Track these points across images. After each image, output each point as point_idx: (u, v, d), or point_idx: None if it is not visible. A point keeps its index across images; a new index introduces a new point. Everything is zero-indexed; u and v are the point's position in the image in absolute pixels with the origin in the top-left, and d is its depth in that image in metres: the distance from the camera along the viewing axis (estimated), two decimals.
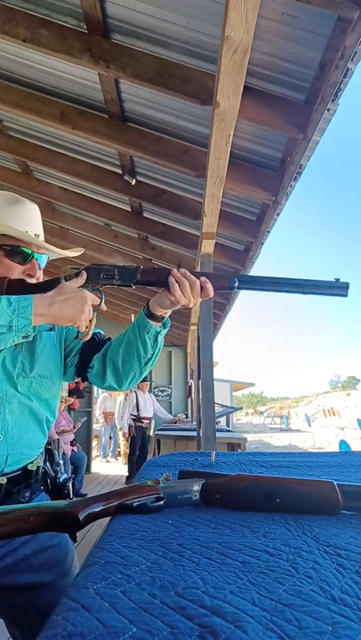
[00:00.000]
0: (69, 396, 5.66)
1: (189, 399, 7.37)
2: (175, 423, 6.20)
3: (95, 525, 0.67)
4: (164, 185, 3.46)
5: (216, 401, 3.01)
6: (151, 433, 6.36)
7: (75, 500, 0.68)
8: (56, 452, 1.20)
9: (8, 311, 0.86)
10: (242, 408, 26.15)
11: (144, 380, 6.48)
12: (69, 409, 6.07)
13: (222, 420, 5.90)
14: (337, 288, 0.96)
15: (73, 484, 1.17)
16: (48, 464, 1.16)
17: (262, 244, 3.34)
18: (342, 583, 0.45)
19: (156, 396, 7.94)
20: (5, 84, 2.88)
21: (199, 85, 2.14)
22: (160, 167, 3.09)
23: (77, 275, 0.99)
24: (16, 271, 1.01)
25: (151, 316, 1.03)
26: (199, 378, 2.92)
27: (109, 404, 9.47)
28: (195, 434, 3.60)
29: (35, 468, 1.04)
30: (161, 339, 1.07)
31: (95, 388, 7.99)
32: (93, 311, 0.97)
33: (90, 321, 0.96)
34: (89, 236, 4.87)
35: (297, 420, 30.31)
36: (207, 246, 2.87)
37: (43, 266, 1.09)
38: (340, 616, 0.38)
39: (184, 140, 2.78)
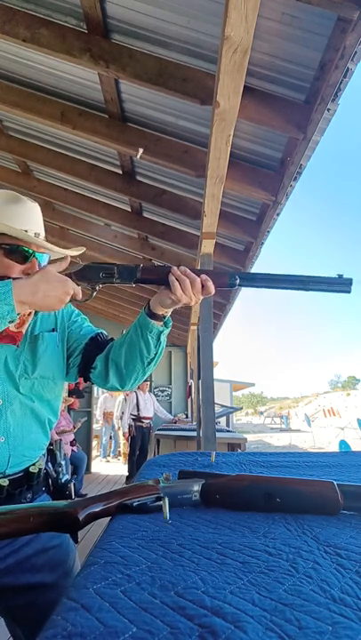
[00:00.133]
0: (69, 396, 5.66)
1: (189, 399, 7.37)
2: (175, 423, 6.20)
3: (95, 525, 0.67)
4: (164, 185, 3.46)
5: (216, 401, 3.01)
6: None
7: (75, 500, 0.68)
8: (58, 453, 1.20)
9: None
10: (242, 408, 26.15)
11: (145, 380, 6.47)
12: (69, 409, 6.07)
13: (222, 420, 5.90)
14: (340, 284, 0.95)
15: (73, 484, 1.17)
16: (50, 464, 1.15)
17: (262, 243, 3.34)
18: (342, 583, 0.45)
19: (156, 395, 7.94)
20: (5, 83, 2.88)
21: (199, 85, 2.14)
22: (160, 167, 3.09)
23: (79, 275, 0.98)
24: (16, 270, 1.00)
25: (152, 315, 1.02)
26: (199, 378, 2.92)
27: (110, 405, 9.47)
28: (195, 434, 3.60)
29: (37, 470, 1.03)
30: (164, 338, 1.06)
31: (95, 388, 7.99)
32: (71, 300, 0.96)
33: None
34: (89, 236, 4.87)
35: (297, 420, 30.30)
36: (207, 246, 2.87)
37: (43, 265, 1.08)
38: (340, 616, 0.38)
39: (184, 139, 2.78)
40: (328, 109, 1.85)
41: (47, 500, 1.10)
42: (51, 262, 1.00)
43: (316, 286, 0.96)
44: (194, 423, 4.96)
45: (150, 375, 7.83)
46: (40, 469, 1.05)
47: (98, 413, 9.65)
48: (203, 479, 0.75)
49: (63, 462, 1.19)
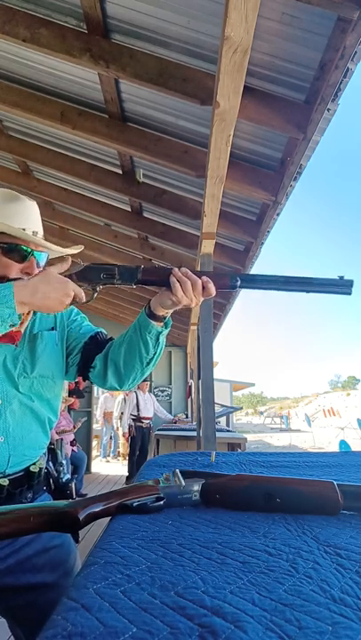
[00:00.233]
0: (69, 396, 5.66)
1: (189, 399, 7.37)
2: (175, 423, 6.20)
3: (95, 525, 0.67)
4: (164, 185, 3.46)
5: (216, 401, 3.01)
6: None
7: (75, 500, 0.68)
8: (59, 452, 1.20)
9: None
10: (242, 408, 26.14)
11: (144, 380, 6.48)
12: (69, 409, 6.07)
13: (222, 420, 5.90)
14: (341, 286, 0.95)
15: (74, 483, 1.17)
16: (51, 464, 1.15)
17: (262, 244, 3.34)
18: (342, 583, 0.45)
19: (156, 395, 7.94)
20: (5, 83, 2.88)
21: (199, 85, 2.14)
22: (160, 167, 3.09)
23: (79, 276, 0.98)
24: (14, 269, 1.00)
25: (152, 316, 1.02)
26: (199, 378, 2.92)
27: (110, 405, 9.48)
28: (195, 434, 3.60)
29: (37, 470, 1.03)
30: (163, 339, 1.06)
31: (95, 387, 7.99)
32: (72, 302, 0.96)
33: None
34: (89, 236, 4.88)
35: (297, 420, 30.29)
36: (207, 246, 2.87)
37: (42, 264, 1.06)
38: (340, 616, 0.38)
39: (184, 139, 2.78)
40: (328, 109, 1.85)
41: (48, 499, 1.10)
42: (51, 263, 0.99)
43: (316, 288, 0.96)
44: (194, 423, 4.96)
45: (150, 375, 7.86)
46: (41, 469, 1.05)
47: (98, 413, 9.65)
48: (203, 479, 0.75)
49: (64, 461, 1.19)
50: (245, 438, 3.98)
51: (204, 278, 0.97)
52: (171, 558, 0.51)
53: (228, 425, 6.29)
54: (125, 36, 2.17)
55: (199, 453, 1.34)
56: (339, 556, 0.52)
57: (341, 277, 0.95)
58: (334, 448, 11.03)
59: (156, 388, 8.36)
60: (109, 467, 8.64)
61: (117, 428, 8.60)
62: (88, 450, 7.57)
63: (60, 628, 0.36)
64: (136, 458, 6.38)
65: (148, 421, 6.64)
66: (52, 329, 1.11)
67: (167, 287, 0.97)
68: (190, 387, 7.02)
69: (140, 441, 6.48)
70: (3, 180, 4.18)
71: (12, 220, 0.99)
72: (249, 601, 0.41)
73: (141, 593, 0.42)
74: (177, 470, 0.75)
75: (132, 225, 4.21)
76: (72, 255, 1.05)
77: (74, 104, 2.85)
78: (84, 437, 7.59)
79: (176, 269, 0.96)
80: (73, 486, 1.14)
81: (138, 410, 6.57)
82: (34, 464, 1.04)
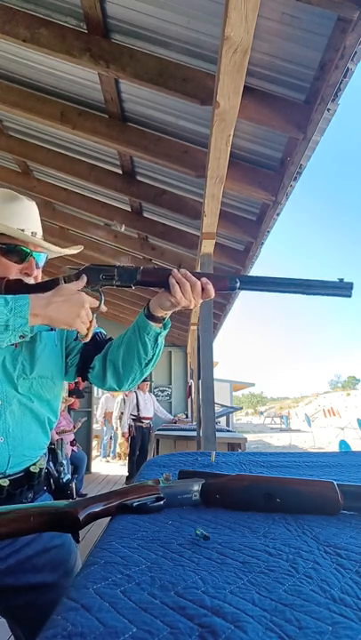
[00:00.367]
0: (69, 396, 5.66)
1: (189, 399, 7.37)
2: (175, 423, 6.20)
3: (95, 525, 0.67)
4: (164, 185, 3.46)
5: (216, 401, 3.01)
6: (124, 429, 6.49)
7: (75, 500, 0.68)
8: (59, 452, 1.20)
9: (5, 310, 0.85)
10: (242, 408, 26.14)
11: (144, 381, 6.48)
12: (69, 409, 6.07)
13: (222, 419, 5.90)
14: (340, 288, 0.95)
15: (74, 483, 1.17)
16: (51, 464, 1.15)
17: (262, 244, 3.34)
18: (342, 583, 0.45)
19: (156, 395, 7.94)
20: (5, 83, 2.88)
21: (199, 85, 2.14)
22: (160, 167, 3.09)
23: (78, 277, 0.98)
24: (13, 270, 1.00)
25: (151, 317, 1.02)
26: (199, 378, 2.92)
27: (111, 405, 9.47)
28: (195, 434, 3.60)
29: (37, 470, 1.03)
30: (161, 340, 1.06)
31: (96, 388, 7.99)
32: (93, 313, 0.96)
33: (90, 322, 0.96)
34: (89, 236, 4.87)
35: (297, 420, 30.29)
36: (207, 246, 2.87)
37: (41, 264, 1.07)
38: (340, 616, 0.38)
39: (184, 139, 2.78)
40: (328, 109, 1.85)
41: (48, 499, 1.10)
42: (65, 279, 0.99)
43: (316, 290, 0.95)
44: (194, 423, 4.96)
45: (150, 375, 7.87)
46: (41, 469, 1.05)
47: (99, 413, 9.64)
48: (203, 479, 0.75)
49: (65, 461, 1.19)
50: (245, 438, 3.98)
51: (204, 280, 0.96)
52: (171, 558, 0.51)
53: (228, 425, 6.29)
54: (125, 36, 2.17)
55: (199, 453, 1.34)
56: (339, 556, 0.52)
57: (341, 280, 0.95)
58: (334, 448, 11.03)
59: (156, 387, 8.36)
60: (109, 467, 8.64)
61: (117, 428, 8.59)
62: (88, 450, 7.57)
63: (60, 628, 0.36)
64: (136, 458, 6.38)
65: (148, 421, 6.64)
66: (51, 329, 1.11)
67: (166, 288, 0.97)
68: (190, 387, 7.02)
69: (140, 441, 6.48)
70: (3, 179, 4.18)
71: (10, 221, 0.99)
72: (249, 601, 0.41)
73: (141, 593, 0.42)
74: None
75: (132, 225, 4.21)
76: (71, 255, 1.05)
77: (74, 104, 2.85)
78: (84, 437, 7.59)
79: (175, 271, 0.96)
80: (73, 486, 1.14)
81: (138, 410, 6.57)
82: (34, 464, 1.04)
